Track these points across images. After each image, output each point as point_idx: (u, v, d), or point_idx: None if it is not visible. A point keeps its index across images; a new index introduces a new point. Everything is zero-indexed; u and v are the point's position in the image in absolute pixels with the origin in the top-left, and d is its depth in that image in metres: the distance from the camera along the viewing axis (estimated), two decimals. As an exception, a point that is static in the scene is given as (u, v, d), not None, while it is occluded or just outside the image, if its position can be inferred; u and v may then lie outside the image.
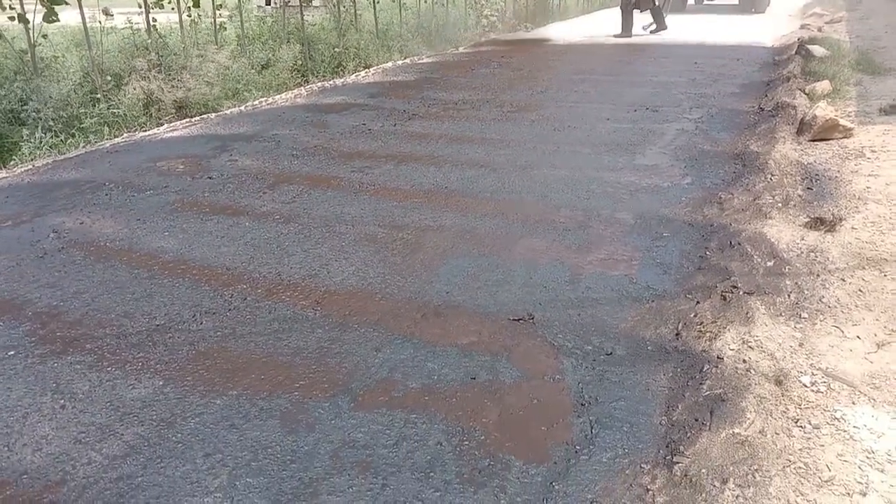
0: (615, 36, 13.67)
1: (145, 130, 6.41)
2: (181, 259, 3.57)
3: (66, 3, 6.46)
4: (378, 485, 2.03)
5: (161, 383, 2.51)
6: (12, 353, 2.73)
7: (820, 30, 12.18)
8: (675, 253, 3.57)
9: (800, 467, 2.02)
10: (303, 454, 2.15)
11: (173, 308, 3.06)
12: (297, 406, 2.39)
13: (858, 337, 2.65)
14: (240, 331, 2.87)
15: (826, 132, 5.25)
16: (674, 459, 2.09)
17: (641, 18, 14.00)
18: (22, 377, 2.56)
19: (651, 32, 13.85)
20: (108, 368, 2.61)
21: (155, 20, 7.57)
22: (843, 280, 3.08)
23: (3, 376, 2.57)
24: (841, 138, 5.23)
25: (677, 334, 2.82)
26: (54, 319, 2.98)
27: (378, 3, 11.29)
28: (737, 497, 1.91)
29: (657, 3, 13.75)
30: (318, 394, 2.46)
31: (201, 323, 2.94)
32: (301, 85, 8.75)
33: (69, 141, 5.93)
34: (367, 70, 9.85)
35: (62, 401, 2.42)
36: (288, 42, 9.41)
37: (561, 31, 15.52)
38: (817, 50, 8.77)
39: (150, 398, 2.43)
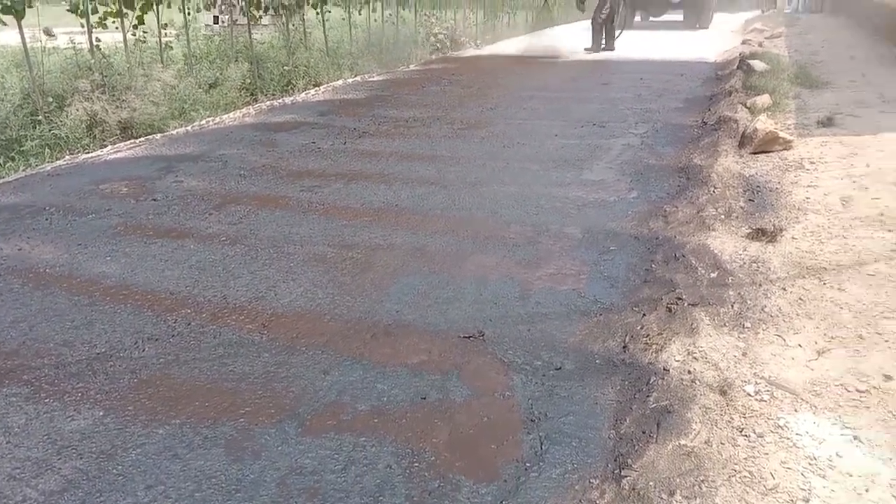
0: (585, 50, 14.04)
1: (88, 152, 6.27)
2: (123, 284, 3.48)
3: (5, 24, 6.30)
4: (326, 511, 1.99)
5: (101, 414, 2.44)
6: (-57, 387, 2.62)
7: (761, 45, 12.55)
8: (622, 266, 3.62)
9: (745, 476, 2.05)
10: (248, 483, 2.11)
11: (114, 335, 2.98)
12: (243, 433, 2.34)
13: (800, 345, 2.71)
14: (183, 357, 2.81)
15: (767, 145, 5.39)
16: (622, 473, 2.10)
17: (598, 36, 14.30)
18: (-47, 412, 2.46)
19: (592, 52, 14.16)
20: (46, 400, 2.52)
21: (98, 40, 7.43)
22: (785, 289, 3.15)
23: (-68, 412, 2.46)
24: (781, 150, 5.38)
25: (624, 347, 2.85)
26: (-11, 351, 2.88)
27: (328, 21, 11.28)
28: (684, 509, 1.93)
29: (613, 23, 14.10)
30: (265, 420, 2.41)
31: (143, 350, 2.86)
32: (250, 104, 8.67)
33: (8, 164, 5.76)
34: (317, 88, 9.81)
35: (-4, 435, 2.33)
36: (236, 61, 9.32)
37: (510, 48, 15.70)
38: (758, 64, 9.03)
39: (90, 430, 2.35)
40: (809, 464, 2.08)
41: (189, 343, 2.91)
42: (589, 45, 14.28)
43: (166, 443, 2.29)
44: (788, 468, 2.07)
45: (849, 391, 2.41)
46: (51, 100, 6.66)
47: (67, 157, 6.11)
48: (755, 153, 5.39)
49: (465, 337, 2.94)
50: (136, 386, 2.61)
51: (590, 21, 14.43)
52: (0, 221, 4.45)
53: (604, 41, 14.17)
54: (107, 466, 2.18)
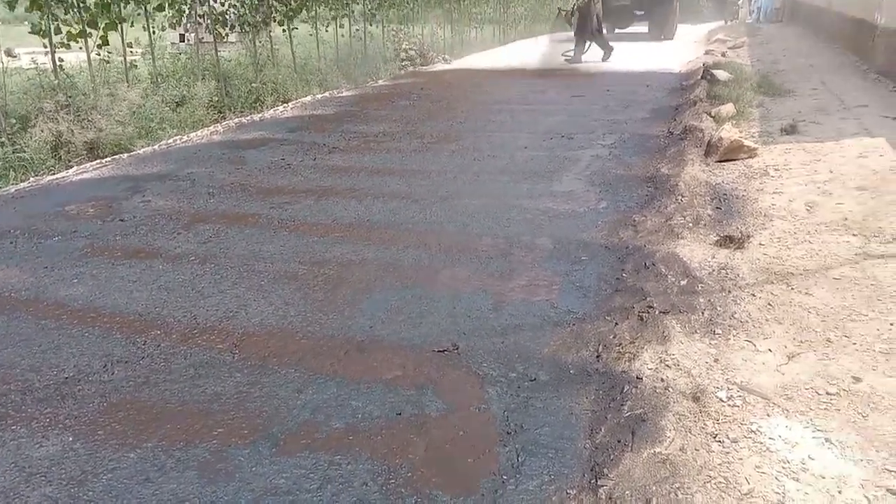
0: (567, 61, 14.31)
1: (54, 174, 6.17)
2: (91, 307, 3.42)
3: (-36, 46, 6.20)
4: (302, 531, 1.97)
5: (71, 439, 2.39)
6: None
7: (724, 55, 12.78)
8: (593, 276, 3.64)
9: (720, 482, 2.06)
10: (222, 505, 2.08)
11: (83, 359, 2.93)
12: (216, 455, 2.30)
13: (770, 350, 2.75)
14: (154, 379, 2.77)
15: (732, 153, 5.48)
16: (598, 483, 2.11)
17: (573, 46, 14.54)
18: (-85, 443, 2.40)
19: (567, 61, 14.35)
20: (13, 427, 2.46)
21: (62, 60, 7.33)
22: (754, 295, 3.20)
23: None
24: (746, 158, 5.47)
25: (598, 356, 2.86)
26: (-48, 378, 2.81)
27: (295, 37, 11.26)
28: (660, 517, 1.94)
29: (602, 33, 14.40)
30: (238, 440, 2.38)
31: (113, 373, 2.81)
32: (218, 121, 8.61)
33: (-30, 187, 5.66)
34: (285, 105, 9.78)
35: (-40, 466, 2.27)
36: (203, 78, 9.26)
37: (478, 62, 15.80)
38: (721, 74, 9.19)
39: (59, 456, 2.30)
40: (783, 467, 2.11)
41: (159, 365, 2.87)
42: (570, 54, 14.58)
43: (138, 466, 2.25)
44: (763, 472, 2.09)
45: (819, 394, 2.44)
46: (14, 121, 6.55)
47: (32, 178, 6.01)
48: (721, 161, 5.47)
49: (439, 351, 2.93)
50: (107, 409, 2.56)
51: (573, 33, 14.70)
52: (-38, 246, 4.36)
53: (572, 51, 14.46)
54: (77, 493, 2.13)
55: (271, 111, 9.30)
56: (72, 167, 6.42)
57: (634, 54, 15.22)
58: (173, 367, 2.85)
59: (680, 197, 4.63)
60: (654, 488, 2.04)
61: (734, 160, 5.47)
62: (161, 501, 2.09)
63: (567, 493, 2.09)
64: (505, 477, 2.17)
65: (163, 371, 2.82)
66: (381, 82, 12.47)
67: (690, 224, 4.15)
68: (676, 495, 2.00)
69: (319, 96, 10.64)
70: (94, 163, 6.56)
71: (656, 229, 4.15)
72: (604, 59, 14.23)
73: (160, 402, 2.60)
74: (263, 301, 3.44)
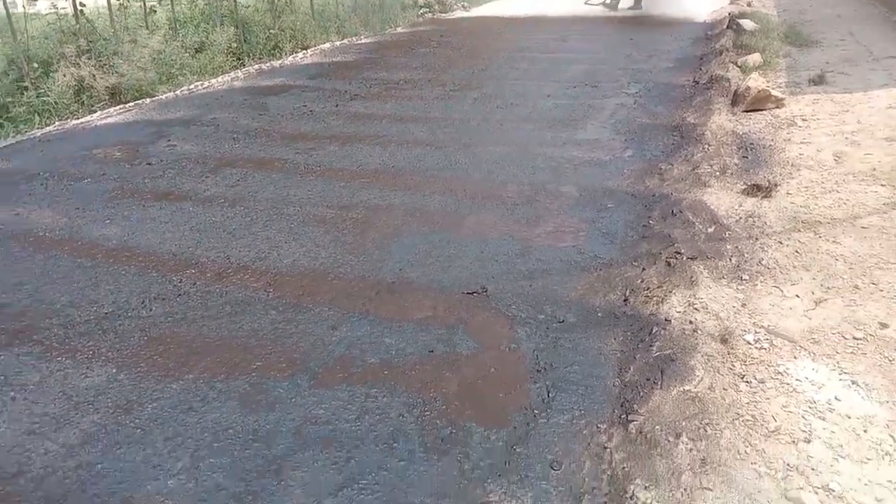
0: (605, 6, 14.16)
1: (78, 118, 6.20)
2: (125, 246, 3.49)
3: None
4: (342, 458, 2.05)
5: (114, 371, 2.47)
6: (-47, 347, 2.64)
7: (749, 4, 12.48)
8: (620, 223, 3.66)
9: (748, 419, 2.12)
10: (265, 433, 2.15)
11: (121, 295, 3.00)
12: (256, 387, 2.38)
13: (797, 295, 2.77)
14: (191, 315, 2.84)
15: (759, 103, 5.42)
16: (629, 418, 2.17)
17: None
18: (-34, 372, 2.49)
19: (605, 6, 14.20)
20: (58, 358, 2.55)
21: (83, 5, 7.30)
22: (781, 243, 3.21)
23: (-55, 372, 2.49)
24: (773, 108, 5.41)
25: (625, 300, 2.90)
26: (-4, 312, 2.89)
27: (313, -17, 11.12)
28: (690, 450, 2.00)
29: None
30: (277, 374, 2.45)
31: (151, 309, 2.89)
32: (237, 68, 8.57)
33: (-3, 131, 5.71)
34: (304, 51, 9.70)
35: (12, 392, 2.35)
36: (221, 24, 9.19)
37: (497, 10, 15.54)
38: (747, 24, 9.01)
39: (104, 386, 2.39)
40: (809, 407, 2.15)
41: (196, 302, 2.94)
42: (595, 1, 14.48)
43: (181, 397, 2.33)
44: (789, 411, 2.14)
45: (846, 339, 2.48)
46: (36, 66, 6.56)
47: (57, 123, 6.05)
48: (748, 111, 5.42)
49: (468, 293, 2.98)
50: (147, 343, 2.64)
51: None
52: (-6, 187, 4.43)
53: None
54: (124, 420, 2.22)
55: (290, 58, 9.24)
56: (95, 112, 6.44)
57: (658, 3, 14.91)
58: (210, 304, 2.92)
59: (706, 146, 4.60)
60: (683, 424, 2.10)
61: (761, 110, 5.41)
62: (205, 429, 2.17)
63: (597, 427, 2.15)
64: (536, 411, 2.23)
65: (200, 308, 2.89)
66: (399, 30, 12.32)
67: (717, 172, 4.14)
68: (705, 431, 2.06)
69: (338, 43, 10.54)
70: (118, 107, 6.58)
71: (683, 177, 4.14)
72: (632, 8, 13.97)
73: (199, 337, 2.67)
74: (294, 243, 3.49)
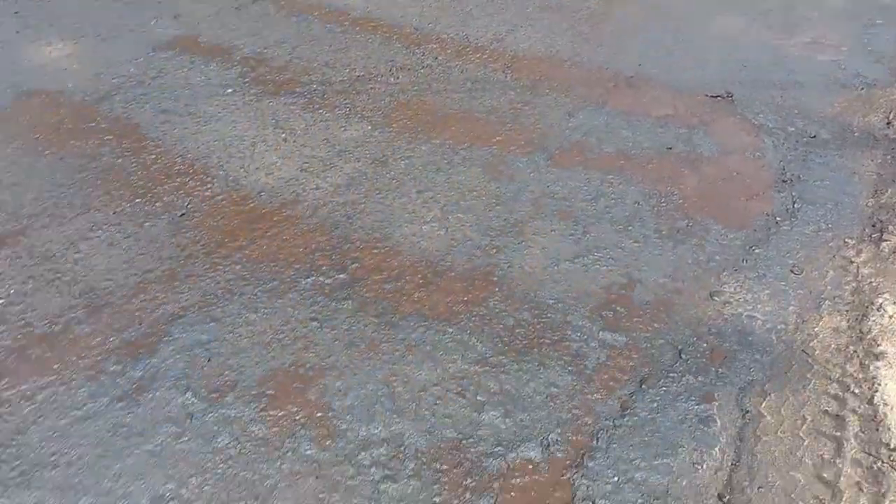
0: None
1: None
2: (369, 17, 3.61)
3: None
4: (579, 231, 2.15)
5: (369, 128, 2.67)
6: (230, 90, 2.94)
7: None
8: (890, 41, 3.27)
9: None
10: (506, 199, 2.29)
11: (370, 62, 3.16)
12: (497, 158, 2.49)
13: None
14: (435, 87, 2.96)
15: None
16: (882, 237, 2.08)
17: None
18: (243, 112, 2.79)
19: None
20: (320, 111, 2.78)
21: None
22: None
23: (226, 110, 2.80)
24: None
25: (888, 123, 2.67)
26: (262, 64, 3.16)
27: None
28: (949, 277, 1.90)
29: None
30: (516, 149, 2.54)
31: (398, 77, 3.03)
32: None
33: None
34: None
35: (283, 135, 2.63)
36: None
37: None
38: None
39: (362, 139, 2.60)
40: None
41: (438, 75, 3.05)
42: None
43: (429, 157, 2.50)
44: None
45: None
46: None
47: None
48: None
49: (712, 96, 2.86)
50: (397, 107, 2.80)
51: None
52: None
53: None
54: (381, 171, 2.43)
55: None
56: None
57: None
58: (451, 78, 3.02)
59: None
60: (944, 251, 1.98)
61: None
62: (452, 188, 2.34)
63: (845, 242, 2.08)
64: (779, 219, 2.19)
65: (442, 80, 3.00)
66: None
67: None
68: (969, 261, 1.94)
69: None
70: None
71: (978, -4, 3.57)
72: None
73: (443, 108, 2.80)
74: (530, 28, 3.45)
